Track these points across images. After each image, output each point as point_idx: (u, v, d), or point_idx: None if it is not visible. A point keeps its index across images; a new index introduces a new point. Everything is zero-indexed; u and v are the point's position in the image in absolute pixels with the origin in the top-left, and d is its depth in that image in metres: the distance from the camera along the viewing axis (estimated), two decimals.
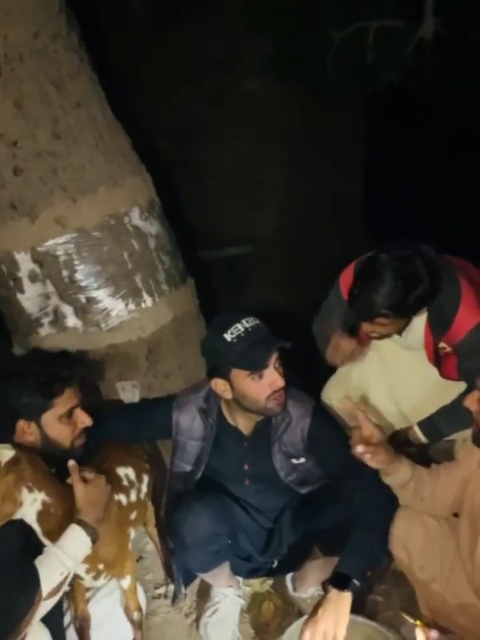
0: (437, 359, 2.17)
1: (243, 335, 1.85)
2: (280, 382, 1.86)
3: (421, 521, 1.89)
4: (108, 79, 2.63)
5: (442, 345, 2.11)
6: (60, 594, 1.61)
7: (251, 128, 4.20)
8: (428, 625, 1.53)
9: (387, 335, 2.10)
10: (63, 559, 1.59)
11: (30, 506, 1.57)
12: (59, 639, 1.74)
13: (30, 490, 1.56)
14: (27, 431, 1.77)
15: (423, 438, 2.22)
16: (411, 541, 1.88)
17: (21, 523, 1.57)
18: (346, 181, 4.72)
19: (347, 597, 1.71)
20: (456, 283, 2.02)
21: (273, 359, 1.86)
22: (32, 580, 1.52)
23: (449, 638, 1.52)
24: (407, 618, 1.56)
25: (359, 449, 1.74)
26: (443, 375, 2.20)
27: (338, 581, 1.73)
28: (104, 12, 3.56)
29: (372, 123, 4.82)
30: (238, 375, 1.87)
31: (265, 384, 1.86)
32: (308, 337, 2.60)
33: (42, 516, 1.59)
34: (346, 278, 2.17)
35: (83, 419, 1.83)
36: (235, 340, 1.85)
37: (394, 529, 1.88)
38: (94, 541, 1.66)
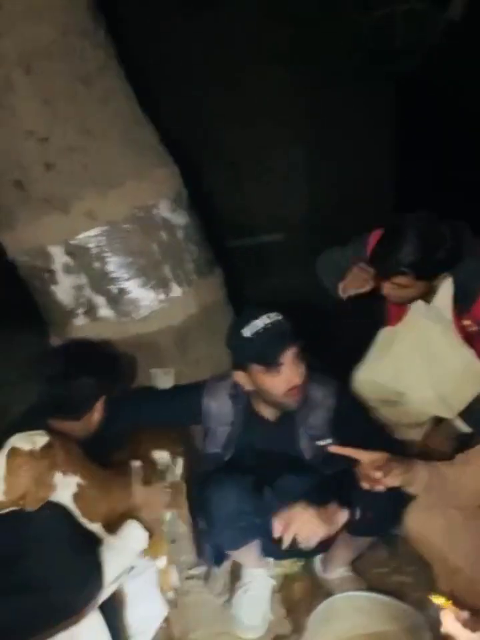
0: (469, 339, 2.15)
1: (260, 331, 1.91)
2: (296, 379, 1.91)
3: (441, 512, 1.85)
4: (134, 69, 2.68)
5: (467, 322, 2.10)
6: (119, 583, 1.71)
7: (277, 114, 4.21)
8: (456, 604, 1.54)
9: (407, 301, 2.11)
10: (124, 552, 1.69)
11: (64, 489, 1.64)
12: (111, 621, 1.82)
13: (64, 473, 1.63)
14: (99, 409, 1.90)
15: (466, 428, 2.20)
16: (432, 533, 1.85)
17: (59, 506, 1.64)
18: (376, 165, 4.69)
19: (338, 513, 1.76)
20: None
21: (289, 355, 1.91)
22: (95, 575, 1.60)
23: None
24: (435, 600, 1.56)
25: (377, 475, 1.68)
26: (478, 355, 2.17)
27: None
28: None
29: (403, 105, 4.78)
30: (255, 369, 1.93)
31: (281, 380, 1.91)
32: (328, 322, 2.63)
33: (78, 498, 1.66)
34: (374, 238, 2.19)
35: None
36: (252, 336, 1.91)
37: (410, 523, 1.87)
38: (150, 536, 1.75)
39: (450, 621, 1.48)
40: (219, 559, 2.19)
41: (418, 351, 2.25)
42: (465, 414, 2.20)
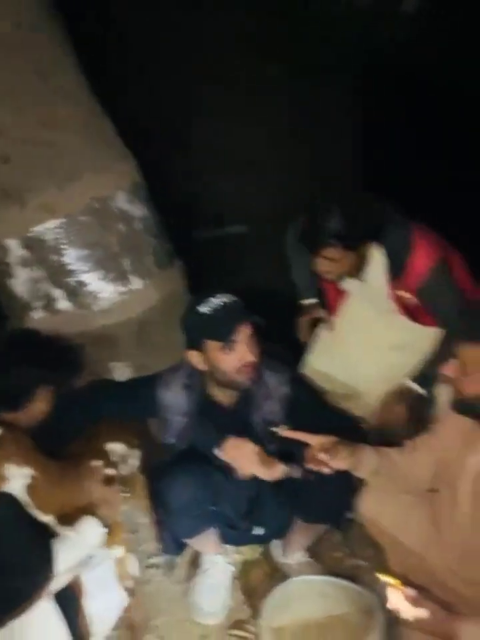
0: (410, 313, 2.23)
1: (217, 308, 1.94)
2: (249, 357, 1.95)
3: (393, 497, 1.92)
4: (97, 62, 2.68)
5: (401, 292, 2.17)
6: (72, 575, 1.71)
7: (243, 105, 4.21)
8: (403, 583, 1.59)
9: (341, 275, 2.19)
10: (78, 543, 1.69)
11: (17, 481, 1.64)
12: (68, 611, 1.83)
13: (17, 465, 1.64)
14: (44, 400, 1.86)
15: (422, 390, 2.25)
16: (384, 518, 1.91)
17: (10, 496, 1.65)
18: (342, 157, 4.72)
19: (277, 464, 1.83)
20: (407, 228, 2.12)
21: (244, 333, 1.94)
22: (46, 563, 1.60)
23: (426, 596, 1.56)
24: (382, 578, 1.61)
25: (322, 457, 1.73)
26: (422, 324, 2.24)
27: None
28: None
29: (368, 99, 4.81)
30: (211, 346, 1.96)
31: (235, 357, 1.95)
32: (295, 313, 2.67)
33: (31, 489, 1.66)
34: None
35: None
36: (208, 312, 1.94)
37: (363, 508, 1.93)
38: (108, 532, 1.76)
39: (396, 597, 1.52)
40: (178, 547, 2.22)
41: (359, 342, 2.38)
42: (417, 378, 2.26)
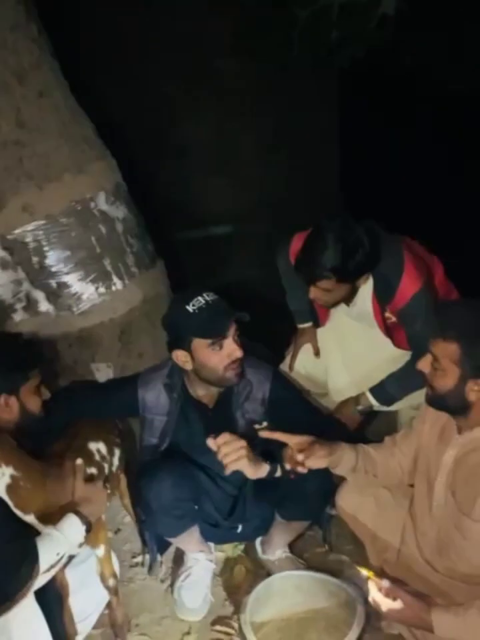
0: (388, 329, 2.28)
1: (203, 306, 1.95)
2: (238, 352, 1.96)
3: (371, 493, 1.96)
4: (77, 65, 2.69)
5: (387, 314, 2.22)
6: (53, 572, 1.71)
7: (225, 106, 4.24)
8: (379, 575, 1.62)
9: (334, 303, 2.22)
10: (60, 541, 1.69)
11: None
12: (51, 609, 1.84)
13: None
14: (9, 404, 1.83)
15: (374, 402, 2.31)
16: (362, 513, 1.96)
17: None
18: (324, 156, 4.75)
19: (262, 463, 1.82)
20: (399, 254, 2.14)
21: (232, 329, 1.96)
22: (28, 561, 1.61)
23: (401, 588, 1.59)
24: (360, 570, 1.63)
25: (299, 457, 1.74)
26: (396, 345, 2.31)
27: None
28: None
29: (347, 98, 4.86)
30: (199, 344, 1.96)
31: (223, 354, 1.96)
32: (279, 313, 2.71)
33: (11, 489, 1.68)
34: (296, 243, 2.30)
35: (46, 392, 1.93)
36: (196, 311, 1.95)
37: (342, 504, 1.98)
38: (88, 530, 1.76)
39: (374, 590, 1.55)
40: (161, 546, 2.23)
41: (337, 343, 2.47)
42: (376, 389, 2.31)
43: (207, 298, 1.98)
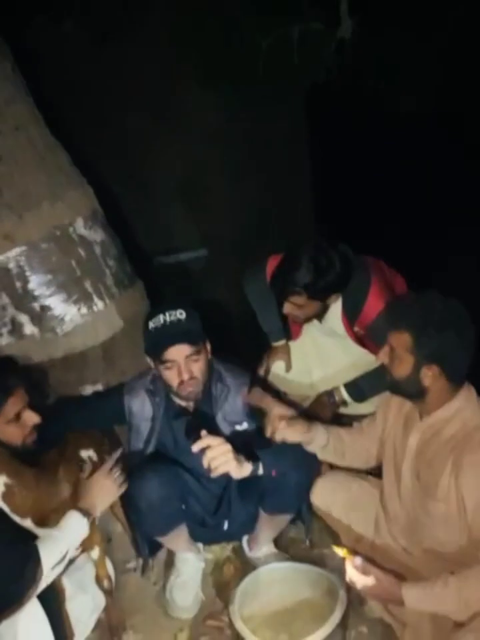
0: (360, 340, 2.45)
1: (159, 326, 2.10)
2: (185, 375, 2.08)
3: (343, 487, 2.10)
4: (50, 100, 2.84)
5: (356, 329, 2.39)
6: (59, 570, 1.80)
7: (193, 136, 4.39)
8: (353, 553, 1.71)
9: (306, 319, 2.39)
10: (62, 540, 1.79)
11: None
12: (52, 613, 1.92)
13: None
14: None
15: (347, 397, 2.44)
16: (335, 507, 2.09)
17: None
18: (295, 181, 4.91)
19: (246, 462, 1.91)
20: (367, 276, 2.32)
21: (178, 353, 2.07)
22: (33, 564, 1.70)
23: (373, 568, 1.69)
24: (336, 550, 1.73)
25: (279, 425, 1.88)
26: (370, 351, 2.44)
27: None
28: (38, 38, 3.74)
29: (314, 122, 5.05)
30: (155, 359, 2.12)
31: (172, 373, 2.10)
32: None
33: (6, 496, 1.78)
34: (272, 263, 2.46)
35: (32, 419, 1.95)
36: (152, 330, 2.10)
37: (315, 499, 2.11)
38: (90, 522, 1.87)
39: (350, 568, 1.66)
40: (152, 549, 2.33)
41: (314, 348, 2.63)
42: (349, 385, 2.45)
43: (167, 317, 2.11)
